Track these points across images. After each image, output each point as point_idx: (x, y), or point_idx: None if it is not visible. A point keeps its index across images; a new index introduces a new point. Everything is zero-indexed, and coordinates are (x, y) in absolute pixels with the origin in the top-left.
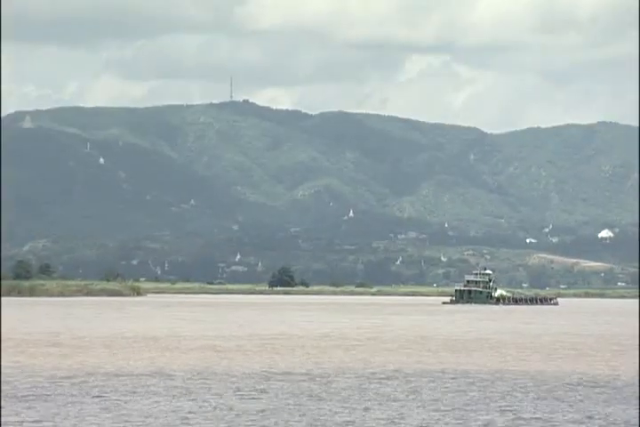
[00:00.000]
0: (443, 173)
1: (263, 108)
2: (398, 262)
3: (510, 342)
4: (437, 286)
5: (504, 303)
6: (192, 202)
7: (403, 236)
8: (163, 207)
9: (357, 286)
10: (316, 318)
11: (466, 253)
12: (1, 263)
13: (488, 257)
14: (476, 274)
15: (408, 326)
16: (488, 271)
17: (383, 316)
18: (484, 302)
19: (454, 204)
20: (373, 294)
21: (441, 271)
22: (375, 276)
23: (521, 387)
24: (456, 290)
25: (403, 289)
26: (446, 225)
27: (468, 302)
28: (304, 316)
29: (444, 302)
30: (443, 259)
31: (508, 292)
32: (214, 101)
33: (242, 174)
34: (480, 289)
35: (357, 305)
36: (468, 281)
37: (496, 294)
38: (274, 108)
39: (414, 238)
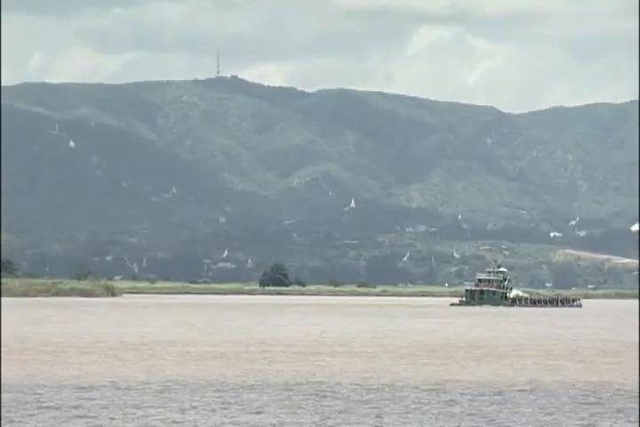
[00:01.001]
0: (456, 158)
1: (253, 84)
2: (405, 259)
3: (539, 347)
4: (449, 286)
5: (520, 305)
6: (173, 190)
7: (410, 229)
8: (140, 196)
9: (359, 286)
10: (315, 321)
11: (482, 248)
12: None
13: (507, 253)
14: (489, 272)
15: (420, 331)
16: (502, 269)
17: (389, 319)
18: (498, 304)
19: (469, 193)
20: (377, 295)
21: (453, 269)
22: (379, 274)
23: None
24: (466, 290)
25: (410, 289)
26: (460, 217)
27: (479, 304)
28: (301, 319)
29: (452, 304)
30: (455, 255)
31: (525, 292)
32: (199, 77)
33: (229, 159)
34: (493, 289)
35: (359, 307)
36: (479, 280)
37: (511, 295)
38: (265, 84)
39: (423, 232)
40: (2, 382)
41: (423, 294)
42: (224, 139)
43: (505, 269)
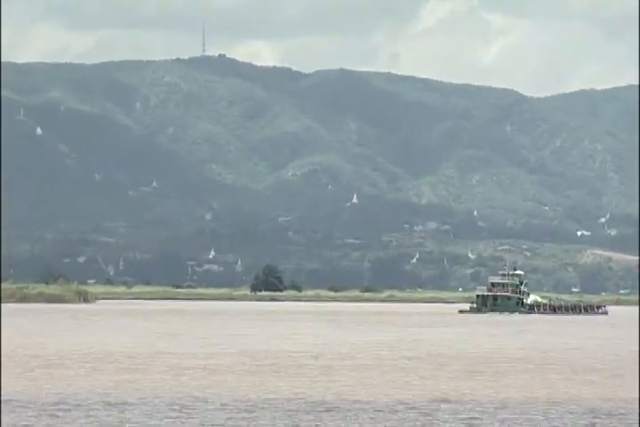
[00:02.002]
0: (470, 147)
1: (244, 64)
2: (414, 261)
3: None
4: (463, 291)
5: (539, 312)
6: (154, 184)
7: (420, 227)
8: (116, 190)
9: (363, 291)
10: (313, 330)
11: (500, 248)
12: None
13: (528, 254)
14: (504, 275)
15: (432, 341)
16: (519, 271)
17: (397, 328)
18: (514, 311)
19: (485, 187)
20: (383, 301)
21: (468, 272)
22: (385, 278)
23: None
24: (478, 295)
25: (420, 294)
26: (475, 214)
27: (492, 311)
28: (299, 328)
29: (461, 311)
30: (471, 256)
31: (544, 298)
32: (182, 57)
33: (216, 149)
34: (508, 294)
35: (364, 314)
36: (492, 284)
37: (529, 301)
38: (257, 65)
39: (435, 230)
40: None
41: (434, 300)
42: (210, 125)
43: (521, 272)
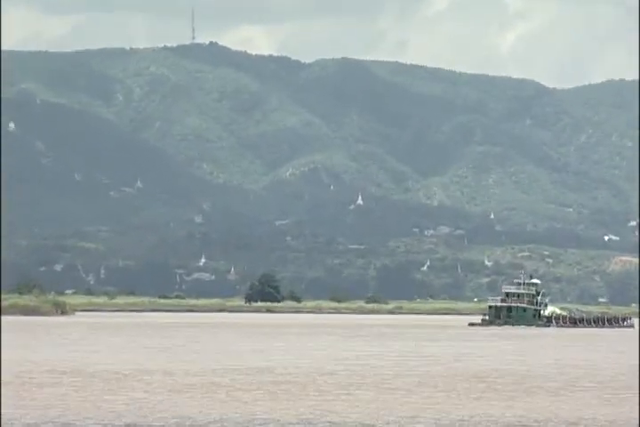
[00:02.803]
0: (486, 143)
1: (237, 53)
2: (425, 268)
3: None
4: (479, 301)
5: (557, 325)
6: (138, 184)
7: (431, 231)
8: (97, 191)
9: (368, 302)
10: (316, 345)
11: (520, 255)
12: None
13: (550, 261)
14: (519, 284)
15: (450, 357)
16: (535, 280)
17: (405, 342)
18: (530, 323)
19: (503, 187)
20: (390, 313)
21: (484, 281)
22: (393, 287)
23: None
24: (490, 306)
25: (431, 305)
26: (492, 216)
27: (506, 323)
28: (299, 342)
29: (471, 324)
30: (487, 263)
31: (563, 309)
32: (169, 44)
33: (207, 146)
34: (524, 305)
35: (369, 327)
36: (507, 294)
37: (546, 312)
38: (252, 53)
39: (447, 235)
40: None
41: (447, 312)
42: (200, 120)
43: (538, 281)
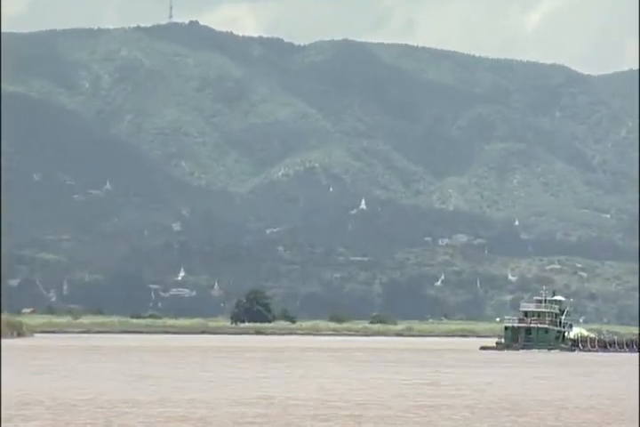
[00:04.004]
0: (510, 139)
1: (222, 34)
2: (439, 283)
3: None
4: (501, 321)
5: (584, 348)
6: (107, 186)
7: (446, 240)
8: (60, 194)
9: (373, 322)
10: (316, 372)
11: (549, 268)
12: None
13: (584, 275)
14: (540, 301)
15: (477, 385)
16: (559, 297)
17: (421, 369)
18: (552, 347)
19: (529, 189)
20: (399, 335)
21: (508, 298)
22: (401, 305)
23: None
24: (506, 328)
25: (446, 326)
26: (517, 223)
27: (525, 347)
28: (293, 369)
29: (483, 348)
30: (511, 277)
31: (590, 331)
32: (142, 24)
33: (187, 142)
34: (545, 326)
35: (375, 351)
36: (525, 313)
37: (571, 334)
38: (238, 34)
39: (465, 245)
40: None
41: (464, 334)
42: (179, 112)
43: (562, 298)
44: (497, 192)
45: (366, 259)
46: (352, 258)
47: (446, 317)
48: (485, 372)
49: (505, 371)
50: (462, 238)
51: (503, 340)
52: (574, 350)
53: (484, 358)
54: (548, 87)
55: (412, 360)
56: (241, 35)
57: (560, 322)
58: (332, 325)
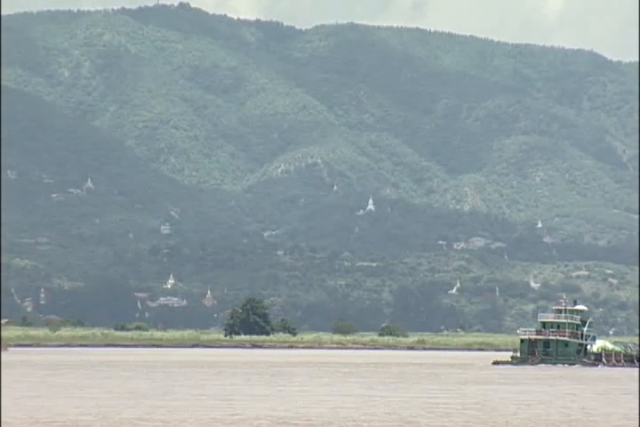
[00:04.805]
0: (532, 132)
1: (214, 18)
2: (454, 291)
3: None
4: (527, 333)
5: (608, 363)
6: (88, 184)
7: (462, 244)
8: (37, 193)
9: (382, 334)
10: (319, 390)
11: (575, 274)
12: None
13: (614, 282)
14: (560, 311)
15: (507, 403)
16: (580, 307)
17: (440, 386)
18: (572, 362)
19: (554, 187)
20: (410, 348)
21: (530, 307)
22: (413, 315)
23: None
24: (522, 340)
25: (462, 338)
26: (540, 225)
27: (543, 362)
28: (295, 386)
29: (495, 362)
30: (533, 285)
31: (615, 344)
32: (127, 6)
33: (177, 136)
34: (565, 338)
35: (383, 367)
36: (543, 324)
37: (594, 348)
38: (233, 18)
39: (482, 249)
40: None
41: (481, 347)
42: (168, 103)
43: (584, 308)
44: (518, 191)
45: (374, 264)
46: (358, 263)
47: (462, 328)
48: (494, 389)
49: (518, 388)
50: (479, 242)
51: (519, 354)
52: (597, 365)
53: (488, 376)
54: (573, 75)
55: (403, 376)
56: (236, 18)
57: (582, 334)
58: (337, 337)
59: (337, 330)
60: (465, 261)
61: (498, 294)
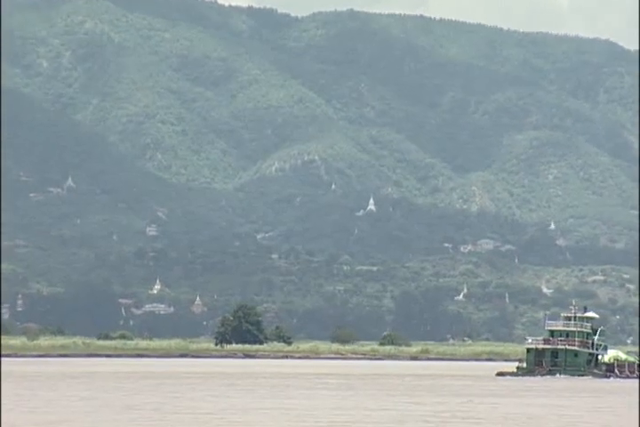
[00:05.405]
0: (544, 126)
1: (205, 4)
2: (460, 297)
3: None
4: (534, 342)
5: (621, 374)
6: (69, 182)
7: (469, 247)
8: (14, 192)
9: (383, 343)
10: (317, 403)
11: (591, 278)
12: None
13: (632, 287)
14: (569, 318)
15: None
16: (591, 314)
17: (442, 398)
18: (582, 372)
19: (567, 186)
20: (414, 358)
21: (542, 314)
22: (417, 323)
23: None
24: (529, 350)
25: (469, 347)
26: (552, 227)
27: (550, 373)
28: (292, 399)
29: (499, 374)
30: (546, 291)
31: (629, 354)
32: None
33: (164, 131)
34: (574, 348)
35: (383, 379)
36: (551, 333)
37: (606, 358)
38: (224, 4)
39: (491, 252)
40: None
41: (490, 357)
42: (154, 95)
43: (595, 315)
44: (529, 190)
45: (375, 268)
46: (358, 267)
47: (469, 337)
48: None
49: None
50: (488, 245)
51: (525, 364)
52: (609, 377)
53: (486, 388)
54: (588, 66)
55: (395, 388)
56: (227, 5)
57: (592, 343)
58: (335, 346)
59: (335, 339)
60: (472, 265)
61: (508, 300)
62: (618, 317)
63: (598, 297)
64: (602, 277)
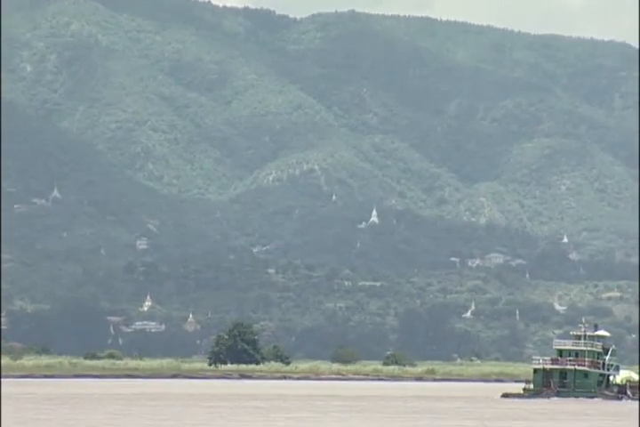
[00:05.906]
0: (556, 134)
1: (199, 5)
2: (468, 315)
3: None
4: (541, 362)
5: (633, 396)
6: (55, 193)
7: (477, 262)
8: None
9: (387, 363)
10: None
11: (606, 295)
12: None
13: None
14: (579, 337)
15: None
16: (602, 332)
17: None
18: (593, 394)
19: (581, 197)
20: (418, 379)
21: (554, 332)
22: (422, 342)
23: None
24: (536, 370)
25: (478, 368)
26: (565, 240)
27: (559, 394)
28: (296, 421)
29: (505, 395)
30: (558, 307)
31: None
32: None
33: (154, 139)
34: (584, 368)
35: (388, 400)
36: (560, 352)
37: (618, 379)
38: (219, 5)
39: (501, 267)
40: None
41: (499, 378)
42: (144, 101)
43: (606, 333)
44: (541, 201)
45: (378, 284)
46: (360, 283)
47: (478, 357)
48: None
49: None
50: (497, 259)
51: (532, 385)
52: (621, 399)
53: (487, 411)
54: (603, 70)
55: (390, 410)
56: (221, 6)
57: (603, 364)
58: (336, 367)
59: (336, 358)
60: (481, 281)
61: (518, 317)
62: (634, 335)
63: (614, 315)
64: (618, 294)
